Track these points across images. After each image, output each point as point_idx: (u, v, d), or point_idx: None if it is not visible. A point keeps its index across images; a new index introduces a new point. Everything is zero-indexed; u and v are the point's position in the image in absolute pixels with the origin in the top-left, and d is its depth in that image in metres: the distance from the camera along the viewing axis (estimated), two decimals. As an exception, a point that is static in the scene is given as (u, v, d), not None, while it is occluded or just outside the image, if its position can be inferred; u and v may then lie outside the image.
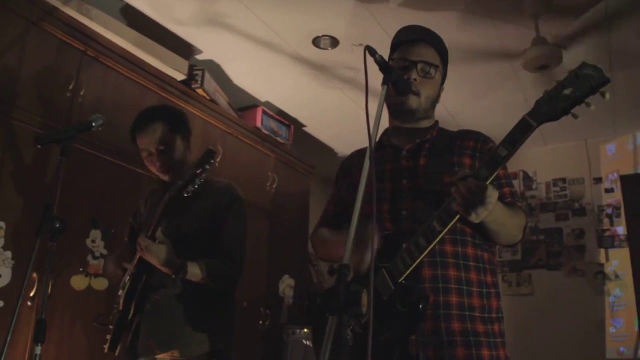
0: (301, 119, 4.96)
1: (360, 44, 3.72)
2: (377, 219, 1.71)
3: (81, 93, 2.98)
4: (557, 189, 5.25)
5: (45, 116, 2.80)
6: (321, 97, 4.51)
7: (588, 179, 5.16)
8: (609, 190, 5.04)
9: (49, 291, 2.59)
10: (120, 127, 2.83)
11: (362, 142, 5.56)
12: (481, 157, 1.72)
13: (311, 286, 5.27)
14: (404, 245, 1.60)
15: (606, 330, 4.71)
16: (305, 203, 5.06)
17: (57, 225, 1.88)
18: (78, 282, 2.83)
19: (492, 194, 1.41)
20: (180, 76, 3.67)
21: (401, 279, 1.57)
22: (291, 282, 4.59)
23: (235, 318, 2.39)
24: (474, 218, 1.43)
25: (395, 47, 1.88)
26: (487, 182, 1.42)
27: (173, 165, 2.31)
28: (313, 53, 3.88)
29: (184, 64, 3.69)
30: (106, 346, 2.25)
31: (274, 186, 4.51)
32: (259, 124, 4.39)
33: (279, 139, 4.61)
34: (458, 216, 1.50)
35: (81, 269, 2.85)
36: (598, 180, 5.11)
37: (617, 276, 4.80)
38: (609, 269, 4.85)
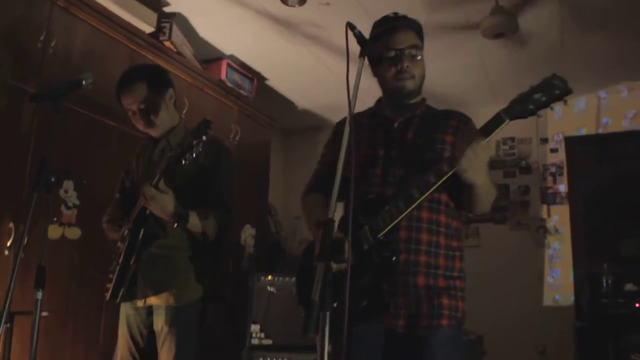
0: (264, 72, 5.00)
1: (327, 3, 3.79)
2: (368, 181, 1.93)
3: (52, 44, 2.98)
4: (507, 147, 5.50)
5: (17, 67, 2.82)
6: (284, 51, 4.54)
7: (535, 139, 5.41)
8: (554, 150, 5.33)
9: (26, 240, 2.67)
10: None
11: (321, 96, 5.65)
12: (461, 135, 1.92)
13: (270, 236, 5.44)
14: (386, 207, 1.81)
15: (545, 280, 5.10)
16: (266, 155, 5.18)
17: (53, 180, 1.97)
18: (52, 231, 2.91)
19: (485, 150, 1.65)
20: (148, 28, 3.68)
21: (380, 235, 1.80)
22: (252, 231, 4.75)
23: (224, 258, 2.53)
24: (466, 167, 1.66)
25: (376, 37, 1.99)
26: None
27: (158, 121, 2.40)
28: (280, 9, 3.90)
29: (153, 16, 3.69)
30: (107, 294, 2.35)
31: (237, 138, 4.60)
32: (223, 77, 4.44)
33: (242, 91, 4.67)
34: (434, 187, 1.74)
35: (55, 219, 2.93)
36: (544, 140, 5.38)
37: (557, 230, 5.15)
38: (550, 224, 5.19)
